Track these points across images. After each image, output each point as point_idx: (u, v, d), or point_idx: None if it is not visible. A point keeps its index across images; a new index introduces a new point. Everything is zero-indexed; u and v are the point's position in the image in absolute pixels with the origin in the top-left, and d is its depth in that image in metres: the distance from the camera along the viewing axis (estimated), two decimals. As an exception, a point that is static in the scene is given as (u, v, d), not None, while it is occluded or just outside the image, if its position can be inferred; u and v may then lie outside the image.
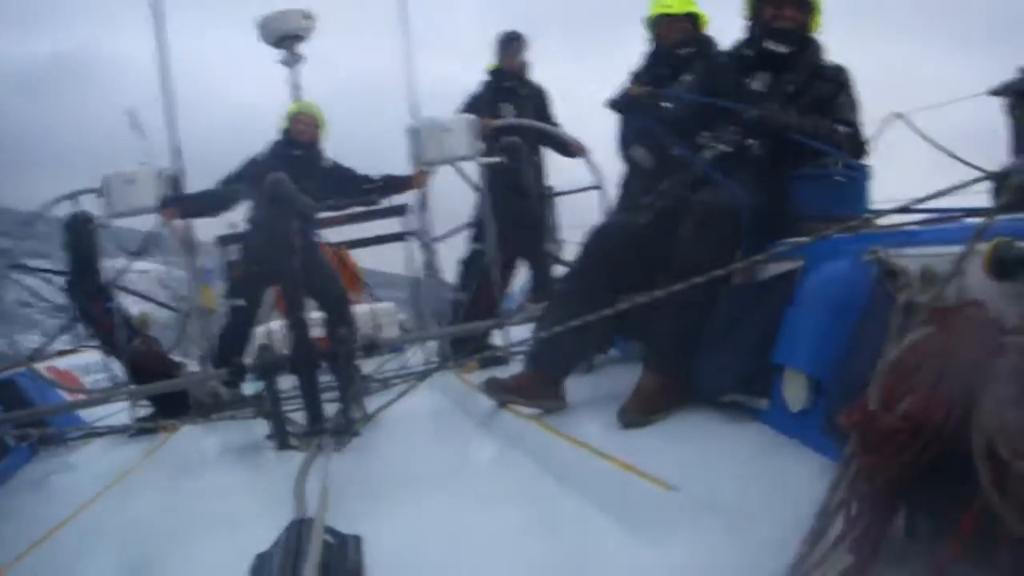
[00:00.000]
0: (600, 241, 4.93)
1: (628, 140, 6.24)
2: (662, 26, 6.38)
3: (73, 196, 7.46)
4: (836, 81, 4.82)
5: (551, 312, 4.87)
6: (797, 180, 4.42)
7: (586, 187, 8.50)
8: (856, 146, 4.73)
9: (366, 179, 7.92)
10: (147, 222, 7.56)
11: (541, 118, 8.47)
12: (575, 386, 4.79)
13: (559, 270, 8.41)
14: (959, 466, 1.82)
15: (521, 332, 7.27)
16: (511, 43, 8.86)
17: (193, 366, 7.77)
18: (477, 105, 8.66)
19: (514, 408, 4.69)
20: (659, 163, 5.44)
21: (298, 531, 2.75)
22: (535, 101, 8.82)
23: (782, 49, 4.79)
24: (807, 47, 4.85)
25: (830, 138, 4.54)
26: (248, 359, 6.25)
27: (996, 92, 3.55)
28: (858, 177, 4.43)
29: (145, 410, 7.16)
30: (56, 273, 8.21)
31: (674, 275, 4.12)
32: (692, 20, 6.39)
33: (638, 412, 4.18)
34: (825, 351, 3.08)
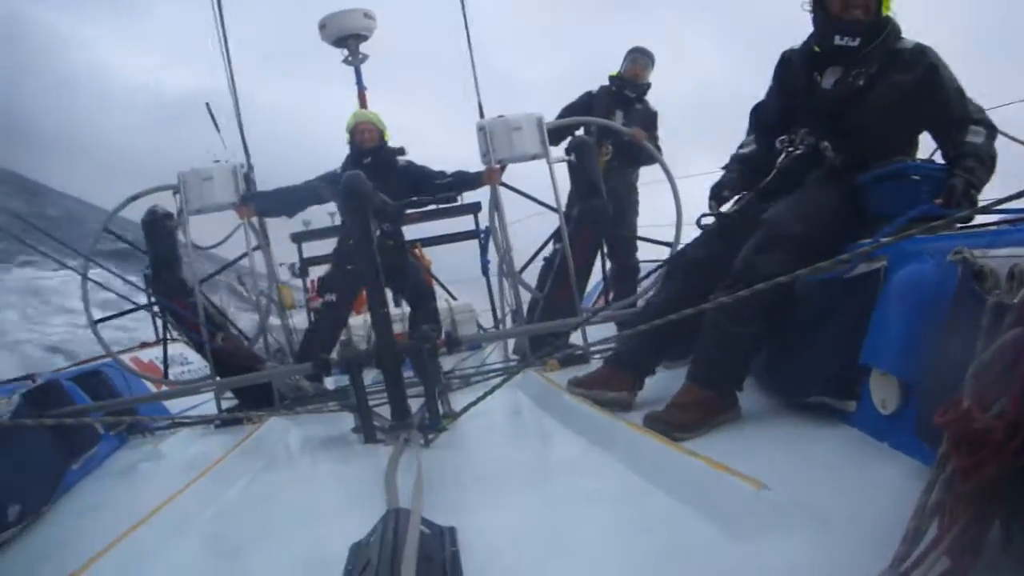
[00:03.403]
0: (684, 258, 5.00)
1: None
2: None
3: (149, 193, 7.59)
4: (920, 66, 4.50)
5: (638, 320, 4.93)
6: (874, 181, 4.36)
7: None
8: (992, 132, 4.48)
9: (440, 175, 7.99)
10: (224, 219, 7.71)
11: (648, 138, 8.59)
12: (663, 385, 4.82)
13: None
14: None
15: (600, 331, 7.32)
16: (641, 57, 9.11)
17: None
18: (591, 104, 8.87)
19: (599, 406, 4.71)
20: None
21: (395, 521, 2.79)
22: (647, 119, 9.00)
23: (851, 43, 4.58)
24: (880, 32, 4.58)
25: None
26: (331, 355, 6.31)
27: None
28: (935, 175, 4.29)
29: (228, 403, 7.28)
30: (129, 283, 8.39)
31: (728, 287, 4.14)
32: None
33: (664, 423, 4.15)
34: (914, 353, 3.06)
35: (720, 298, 3.96)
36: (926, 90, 4.48)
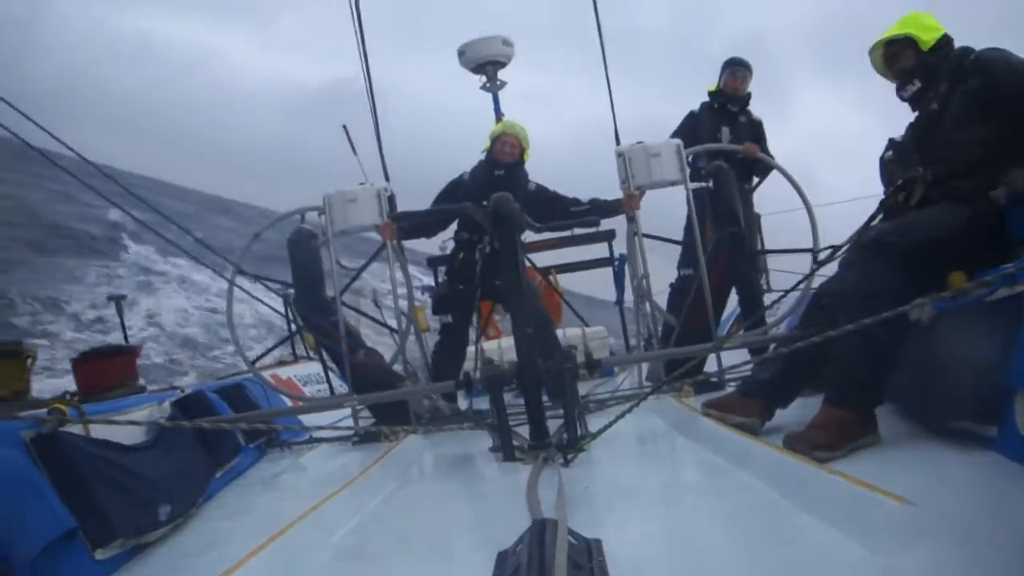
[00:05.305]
0: (820, 295, 5.11)
1: None
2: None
3: (296, 213, 7.77)
4: (984, 66, 4.55)
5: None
6: (1017, 203, 4.24)
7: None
8: None
9: (575, 201, 7.95)
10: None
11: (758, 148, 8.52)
12: (801, 413, 4.79)
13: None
14: None
15: (735, 358, 7.27)
16: (740, 69, 9.05)
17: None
18: (697, 126, 8.82)
19: (738, 428, 4.76)
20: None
21: (541, 530, 2.82)
22: (753, 130, 8.93)
23: (915, 88, 4.90)
24: (940, 58, 4.80)
25: None
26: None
27: None
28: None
29: (365, 421, 7.39)
30: (280, 283, 8.59)
31: (851, 308, 4.24)
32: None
33: (804, 442, 4.16)
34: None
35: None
36: (997, 83, 4.49)
